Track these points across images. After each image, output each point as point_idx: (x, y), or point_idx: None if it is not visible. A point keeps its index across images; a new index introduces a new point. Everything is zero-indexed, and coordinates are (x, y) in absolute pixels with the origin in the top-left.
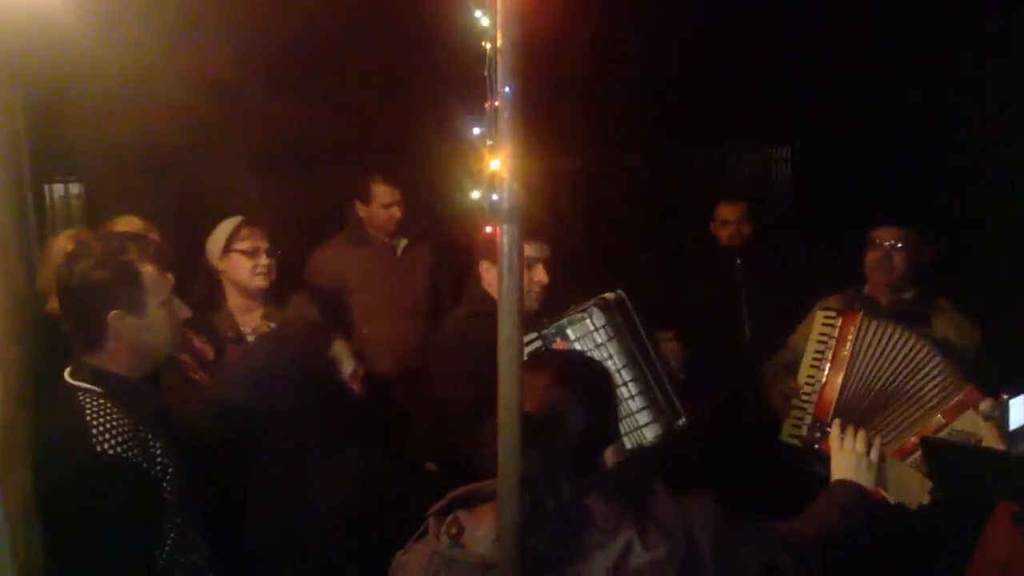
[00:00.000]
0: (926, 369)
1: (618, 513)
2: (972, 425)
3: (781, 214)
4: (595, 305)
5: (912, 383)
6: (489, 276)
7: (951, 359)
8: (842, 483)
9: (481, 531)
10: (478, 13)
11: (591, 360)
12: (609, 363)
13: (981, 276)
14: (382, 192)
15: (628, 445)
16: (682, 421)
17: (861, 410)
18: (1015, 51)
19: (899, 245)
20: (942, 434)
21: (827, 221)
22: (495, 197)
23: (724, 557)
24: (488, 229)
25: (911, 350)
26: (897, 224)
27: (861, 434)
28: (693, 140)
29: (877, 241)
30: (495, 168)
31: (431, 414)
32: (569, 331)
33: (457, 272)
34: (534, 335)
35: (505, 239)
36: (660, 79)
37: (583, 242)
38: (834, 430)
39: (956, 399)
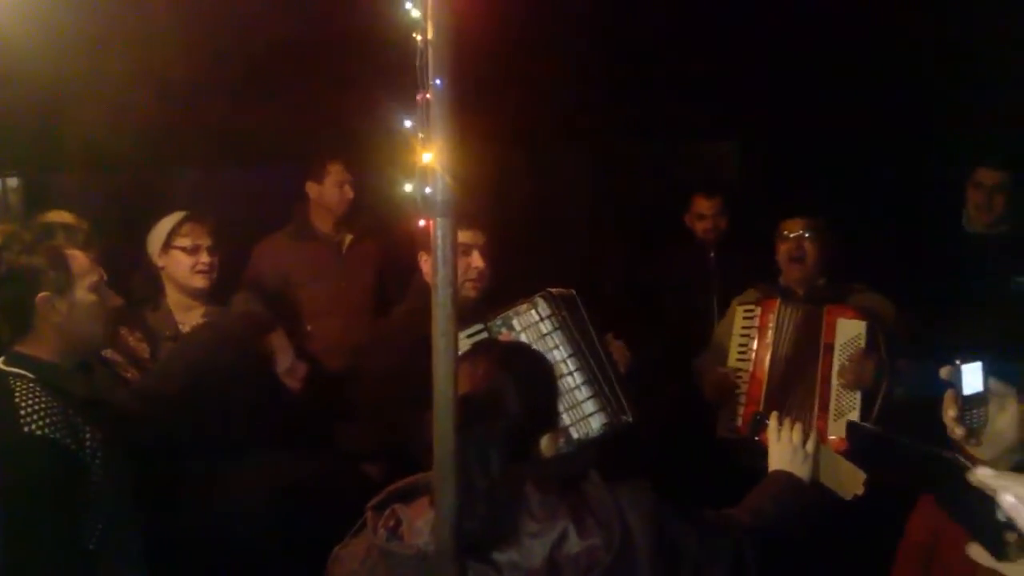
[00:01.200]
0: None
1: (554, 502)
2: (850, 330)
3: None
4: (540, 296)
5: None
6: (428, 268)
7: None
8: (777, 473)
9: (419, 523)
10: (408, 4)
11: (531, 349)
12: (555, 352)
13: (900, 261)
14: (336, 170)
15: (575, 435)
16: (628, 417)
17: (791, 393)
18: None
19: (807, 235)
20: (835, 353)
21: (772, 215)
22: (428, 190)
23: (659, 545)
24: (421, 223)
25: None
26: (805, 215)
27: (797, 427)
28: (642, 134)
29: (786, 233)
30: (427, 161)
31: (371, 411)
32: (515, 322)
33: (403, 269)
34: (480, 326)
35: (438, 232)
36: (606, 72)
37: (534, 236)
38: (771, 423)
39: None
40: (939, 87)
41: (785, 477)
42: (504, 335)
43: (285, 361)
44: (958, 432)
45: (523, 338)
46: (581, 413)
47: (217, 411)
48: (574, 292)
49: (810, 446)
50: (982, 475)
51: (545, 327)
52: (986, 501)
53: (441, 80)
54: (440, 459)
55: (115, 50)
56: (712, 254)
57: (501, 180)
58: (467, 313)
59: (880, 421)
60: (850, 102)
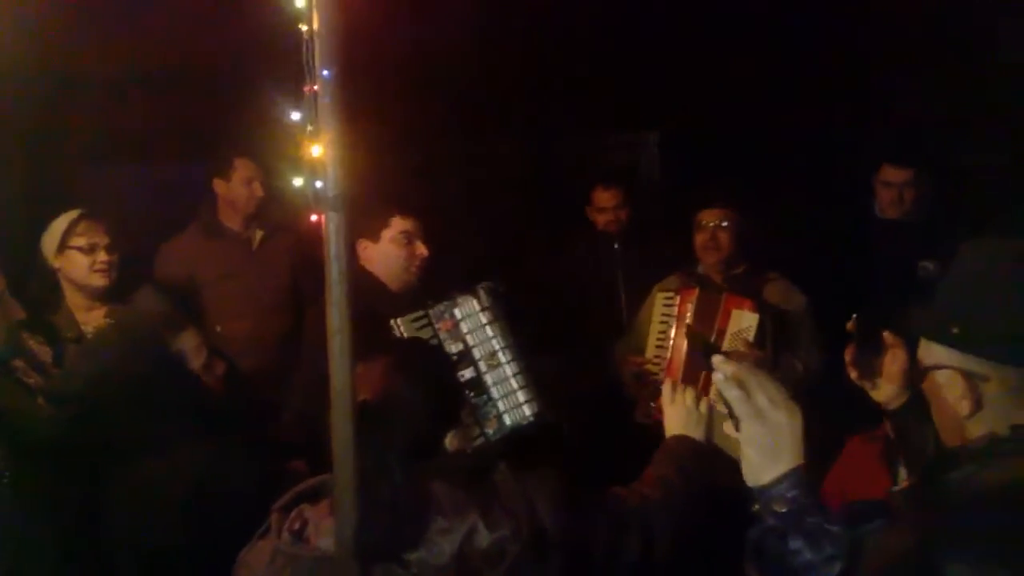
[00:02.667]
0: None
1: (462, 497)
2: (741, 321)
3: (651, 199)
4: (482, 288)
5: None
6: (367, 254)
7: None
8: (675, 439)
9: (326, 523)
10: None
11: (428, 346)
12: (493, 342)
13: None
14: (244, 166)
15: (508, 421)
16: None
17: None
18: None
19: (724, 224)
20: (727, 339)
21: (690, 205)
22: (318, 184)
23: (569, 530)
24: (313, 218)
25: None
26: (720, 205)
27: (689, 390)
28: (563, 126)
29: (703, 223)
30: (316, 155)
31: (302, 404)
32: (456, 310)
33: (318, 265)
34: (420, 313)
35: (331, 227)
36: (529, 65)
37: (460, 228)
38: (665, 387)
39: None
40: (853, 76)
41: (683, 442)
42: (444, 323)
43: (198, 359)
44: (853, 374)
45: (463, 326)
46: (516, 401)
47: (131, 412)
48: (502, 286)
49: (703, 407)
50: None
51: (485, 317)
52: None
53: (329, 71)
54: (339, 456)
55: (11, 45)
56: (616, 245)
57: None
58: (407, 299)
59: None
60: (767, 93)
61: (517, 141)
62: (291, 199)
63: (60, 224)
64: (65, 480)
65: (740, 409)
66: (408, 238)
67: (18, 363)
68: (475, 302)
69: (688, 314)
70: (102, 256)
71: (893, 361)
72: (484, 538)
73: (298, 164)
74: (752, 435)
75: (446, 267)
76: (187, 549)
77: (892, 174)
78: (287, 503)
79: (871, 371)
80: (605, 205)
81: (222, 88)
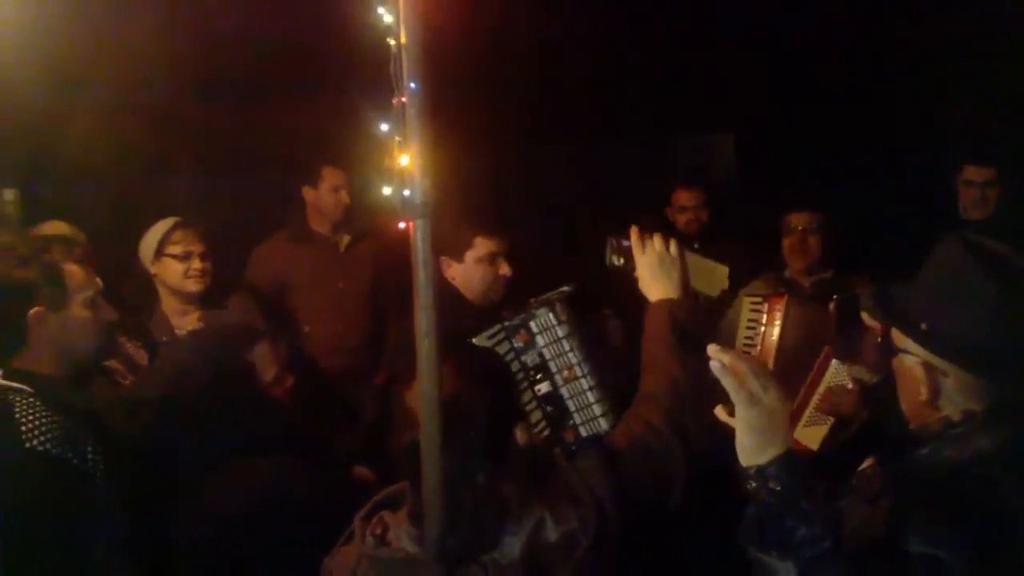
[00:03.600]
0: None
1: (530, 496)
2: (839, 375)
3: (726, 201)
4: (557, 299)
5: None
6: (451, 272)
7: None
8: (658, 312)
9: (405, 528)
10: (381, 10)
11: (481, 349)
12: (570, 356)
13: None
14: (331, 174)
15: (584, 434)
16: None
17: (789, 390)
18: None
19: (813, 227)
20: (819, 390)
21: (769, 207)
22: (406, 193)
23: (625, 504)
24: (401, 225)
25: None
26: (809, 208)
27: (658, 235)
28: (637, 129)
29: (791, 225)
30: (405, 164)
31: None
32: (532, 324)
33: (401, 270)
34: (496, 328)
35: (418, 234)
36: (601, 70)
37: (534, 235)
38: (633, 237)
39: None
40: (933, 80)
41: (666, 313)
42: (520, 336)
43: (268, 373)
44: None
45: (539, 340)
46: (592, 414)
47: (198, 419)
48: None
49: (673, 249)
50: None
51: (561, 331)
52: None
53: (416, 83)
54: (427, 460)
55: (105, 61)
56: (696, 246)
57: (500, 184)
58: (488, 313)
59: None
60: (847, 95)
61: (590, 145)
62: (376, 205)
63: (157, 231)
64: (143, 483)
65: (736, 395)
66: (492, 258)
67: (115, 364)
68: (551, 315)
69: (777, 323)
70: (196, 264)
71: (869, 342)
72: (552, 533)
73: (387, 174)
74: (747, 419)
75: (524, 276)
76: (245, 559)
77: (974, 173)
78: (368, 512)
79: (850, 350)
80: (686, 204)
81: (312, 98)
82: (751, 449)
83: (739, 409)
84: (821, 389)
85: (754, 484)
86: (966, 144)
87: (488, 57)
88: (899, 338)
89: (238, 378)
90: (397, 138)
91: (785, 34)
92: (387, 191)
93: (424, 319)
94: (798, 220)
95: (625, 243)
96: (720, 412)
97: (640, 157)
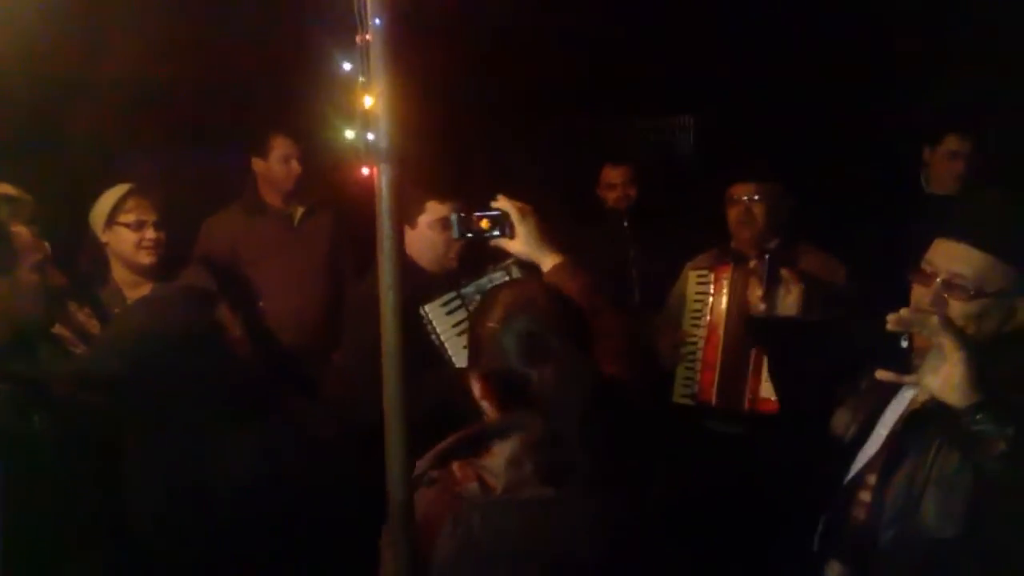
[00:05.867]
0: None
1: None
2: None
3: (680, 180)
4: (514, 263)
5: None
6: (408, 237)
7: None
8: (568, 272)
9: (497, 463)
10: None
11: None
12: None
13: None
14: (280, 143)
15: None
16: None
17: (741, 357)
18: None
19: (756, 198)
20: None
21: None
22: (370, 136)
23: None
24: (364, 171)
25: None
26: (752, 178)
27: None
28: (599, 108)
29: (735, 197)
30: (368, 106)
31: (341, 384)
32: (488, 289)
33: (359, 242)
34: (453, 294)
35: (383, 180)
36: (566, 47)
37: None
38: (511, 207)
39: None
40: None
41: (576, 271)
42: (477, 302)
43: (235, 330)
44: (760, 306)
45: None
46: None
47: (164, 389)
48: None
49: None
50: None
51: None
52: (892, 337)
53: (380, 19)
54: (391, 416)
55: (55, 22)
56: (625, 223)
57: (464, 156)
58: (443, 282)
59: None
60: (803, 69)
61: (557, 122)
62: (330, 175)
63: (108, 199)
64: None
65: (956, 338)
66: (447, 224)
67: (66, 332)
68: (507, 279)
69: (724, 292)
70: (150, 233)
71: (788, 293)
72: None
73: (350, 116)
74: (966, 356)
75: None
76: (210, 525)
77: (954, 142)
78: (436, 463)
79: (774, 301)
80: (614, 181)
81: (271, 40)
82: (974, 383)
83: (958, 350)
84: None
85: (980, 416)
86: (947, 114)
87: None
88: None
89: (208, 339)
90: (360, 78)
91: (744, 13)
92: (350, 135)
93: (388, 270)
94: (741, 191)
95: (478, 215)
96: (885, 375)
97: (601, 135)
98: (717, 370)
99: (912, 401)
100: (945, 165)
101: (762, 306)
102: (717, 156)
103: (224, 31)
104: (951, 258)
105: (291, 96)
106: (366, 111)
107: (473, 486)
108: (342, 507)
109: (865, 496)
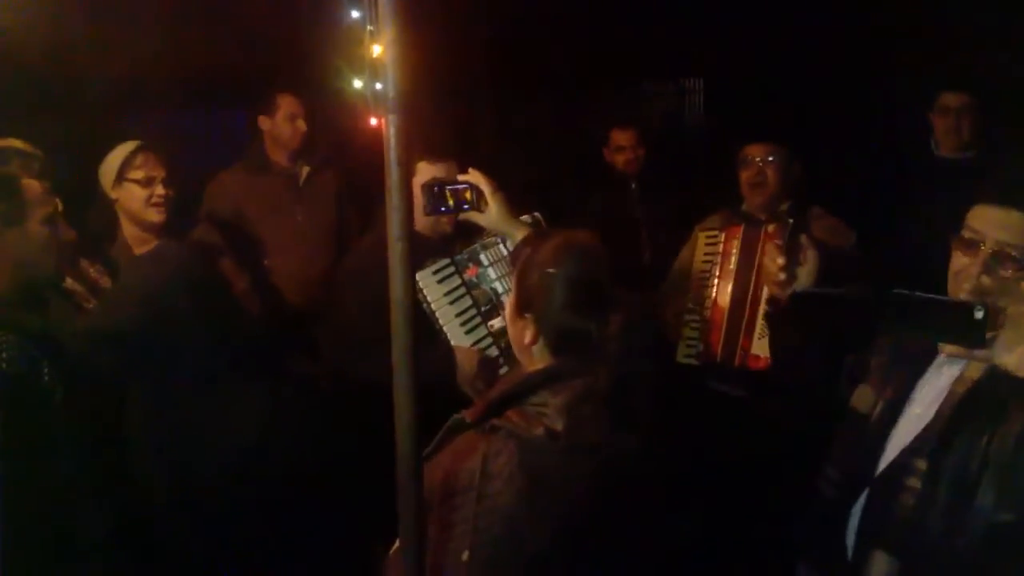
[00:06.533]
0: None
1: None
2: None
3: (690, 144)
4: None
5: None
6: None
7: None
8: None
9: (552, 408)
10: None
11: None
12: None
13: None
14: (287, 102)
15: None
16: None
17: (744, 315)
18: None
19: (770, 159)
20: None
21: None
22: (378, 86)
23: None
24: (373, 121)
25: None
26: (765, 140)
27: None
28: (607, 73)
29: (749, 158)
30: (377, 55)
31: (334, 342)
32: (482, 256)
33: (364, 201)
34: (446, 260)
35: (391, 130)
36: (574, 12)
37: (497, 172)
38: (482, 180)
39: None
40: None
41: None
42: (471, 269)
43: (239, 283)
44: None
45: (491, 272)
46: None
47: (173, 343)
48: (539, 216)
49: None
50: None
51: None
52: (960, 307)
53: None
54: (398, 365)
55: None
56: (633, 185)
57: (466, 117)
58: (437, 247)
59: None
60: (811, 29)
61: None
62: (337, 131)
63: (118, 155)
64: (106, 403)
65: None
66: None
67: (75, 286)
68: (501, 246)
69: (733, 252)
70: (159, 190)
71: (803, 262)
72: None
73: (358, 65)
74: None
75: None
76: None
77: (950, 99)
78: (489, 413)
79: (792, 271)
80: (623, 144)
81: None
82: None
83: None
84: (763, 303)
85: None
86: (942, 73)
87: None
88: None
89: (213, 292)
90: (369, 27)
91: None
92: (358, 84)
93: (396, 221)
94: (755, 152)
95: (451, 188)
96: (954, 350)
97: (613, 102)
98: (723, 330)
99: (960, 380)
100: (943, 123)
101: (782, 276)
102: (727, 119)
103: None
104: (995, 225)
105: (299, 47)
106: (374, 60)
107: (540, 431)
108: (343, 463)
109: (913, 482)
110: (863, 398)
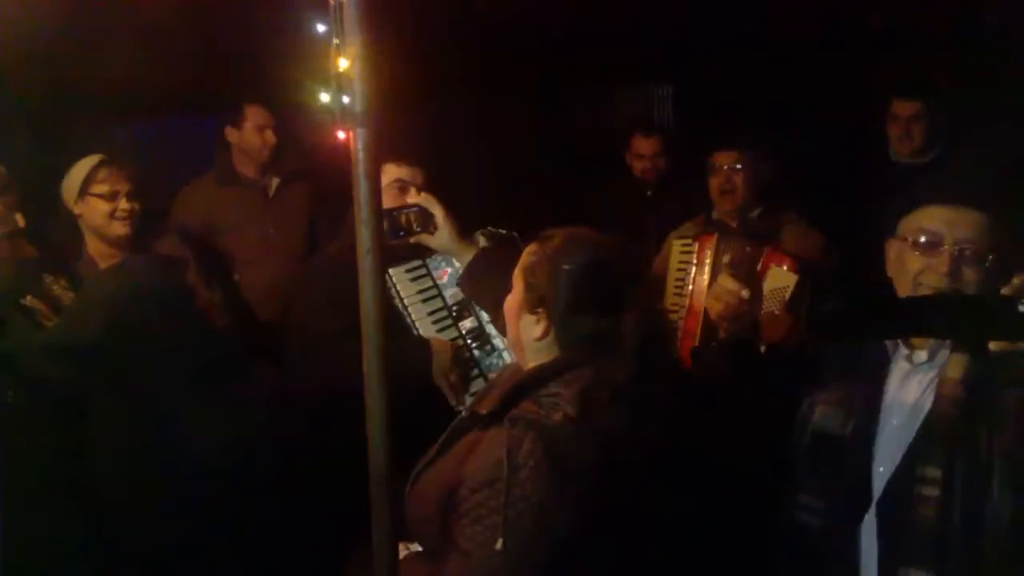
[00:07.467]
0: None
1: None
2: (780, 280)
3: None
4: (481, 233)
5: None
6: None
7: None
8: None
9: (569, 395)
10: None
11: None
12: None
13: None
14: (254, 113)
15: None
16: None
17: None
18: None
19: (738, 167)
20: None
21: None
22: (345, 99)
23: None
24: (340, 135)
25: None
26: (734, 147)
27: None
28: (577, 78)
29: (717, 165)
30: (343, 68)
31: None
32: (455, 258)
33: (335, 213)
34: (417, 263)
35: (358, 143)
36: (544, 17)
37: (473, 177)
38: (436, 206)
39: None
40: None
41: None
42: (443, 272)
43: (202, 296)
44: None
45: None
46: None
47: (137, 357)
48: (516, 235)
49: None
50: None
51: None
52: (1004, 302)
53: None
54: (369, 375)
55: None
56: (649, 192)
57: (437, 121)
58: (405, 250)
59: None
60: (774, 39)
61: (529, 93)
62: (306, 145)
63: (81, 169)
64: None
65: None
66: (403, 188)
67: (35, 303)
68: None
69: (707, 261)
70: (123, 204)
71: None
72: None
73: (324, 79)
74: None
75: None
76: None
77: (900, 107)
78: (503, 404)
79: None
80: (643, 152)
81: (241, 5)
82: None
83: None
84: (765, 293)
85: None
86: (894, 79)
87: None
88: None
89: (179, 306)
90: (335, 40)
91: None
92: (325, 98)
93: (366, 234)
94: (724, 159)
95: (403, 211)
96: (1000, 344)
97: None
98: (697, 339)
99: (944, 383)
100: (895, 130)
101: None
102: (697, 126)
103: None
104: (953, 224)
105: (265, 61)
106: (340, 74)
107: (559, 417)
108: (312, 471)
109: (929, 491)
110: (828, 418)
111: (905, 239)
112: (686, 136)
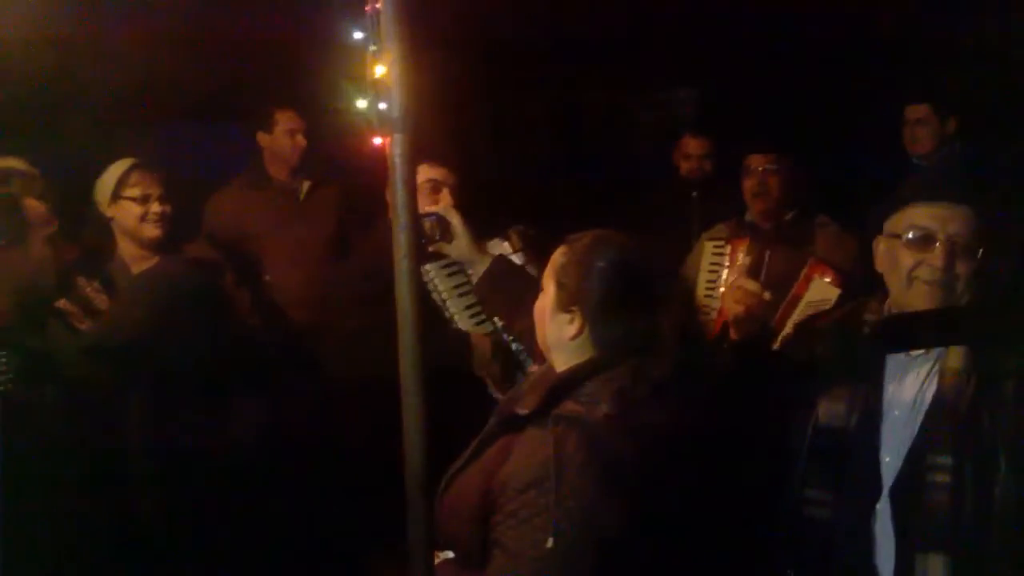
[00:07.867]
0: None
1: None
2: (822, 292)
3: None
4: (513, 231)
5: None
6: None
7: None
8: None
9: (604, 394)
10: None
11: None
12: None
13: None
14: (285, 118)
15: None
16: None
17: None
18: None
19: (773, 169)
20: (800, 306)
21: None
22: (382, 106)
23: None
24: (377, 141)
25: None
26: (768, 149)
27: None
28: (603, 81)
29: (751, 167)
30: (380, 75)
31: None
32: (470, 267)
33: (366, 216)
34: (452, 259)
35: (396, 150)
36: (568, 20)
37: (497, 178)
38: (452, 211)
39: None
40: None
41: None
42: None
43: (243, 302)
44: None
45: None
46: None
47: (175, 359)
48: (548, 233)
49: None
50: None
51: (518, 259)
52: None
53: None
54: (406, 380)
55: (67, 5)
56: (694, 193)
57: (467, 124)
58: (430, 255)
59: None
60: (801, 44)
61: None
62: (337, 147)
63: (113, 173)
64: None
65: None
66: (435, 188)
67: (68, 306)
68: (507, 245)
69: (739, 263)
70: (155, 207)
71: None
72: None
73: (361, 86)
74: None
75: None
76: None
77: (908, 111)
78: (547, 402)
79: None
80: (692, 153)
81: (277, 13)
82: None
83: None
84: (802, 304)
85: None
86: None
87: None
88: None
89: (215, 309)
90: (372, 47)
91: None
92: (362, 105)
93: (403, 239)
94: (758, 162)
95: (424, 220)
96: None
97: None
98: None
99: (945, 373)
100: (906, 133)
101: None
102: (722, 130)
103: (231, 3)
104: (946, 220)
105: (300, 67)
106: (377, 80)
107: (601, 415)
108: (343, 474)
109: (941, 478)
110: (832, 414)
111: (897, 236)
112: (730, 139)
